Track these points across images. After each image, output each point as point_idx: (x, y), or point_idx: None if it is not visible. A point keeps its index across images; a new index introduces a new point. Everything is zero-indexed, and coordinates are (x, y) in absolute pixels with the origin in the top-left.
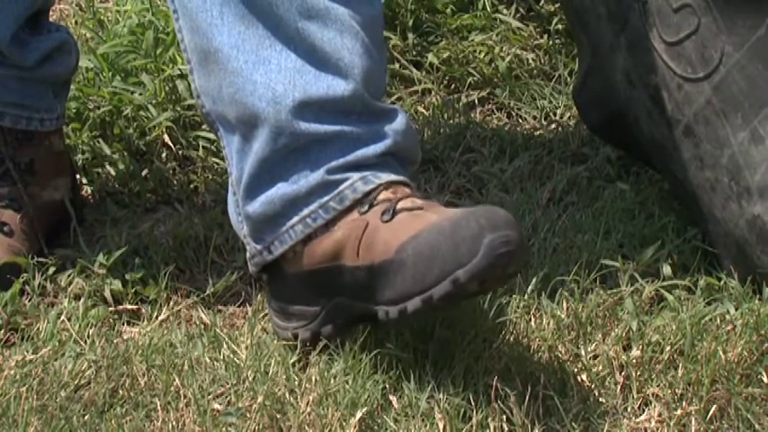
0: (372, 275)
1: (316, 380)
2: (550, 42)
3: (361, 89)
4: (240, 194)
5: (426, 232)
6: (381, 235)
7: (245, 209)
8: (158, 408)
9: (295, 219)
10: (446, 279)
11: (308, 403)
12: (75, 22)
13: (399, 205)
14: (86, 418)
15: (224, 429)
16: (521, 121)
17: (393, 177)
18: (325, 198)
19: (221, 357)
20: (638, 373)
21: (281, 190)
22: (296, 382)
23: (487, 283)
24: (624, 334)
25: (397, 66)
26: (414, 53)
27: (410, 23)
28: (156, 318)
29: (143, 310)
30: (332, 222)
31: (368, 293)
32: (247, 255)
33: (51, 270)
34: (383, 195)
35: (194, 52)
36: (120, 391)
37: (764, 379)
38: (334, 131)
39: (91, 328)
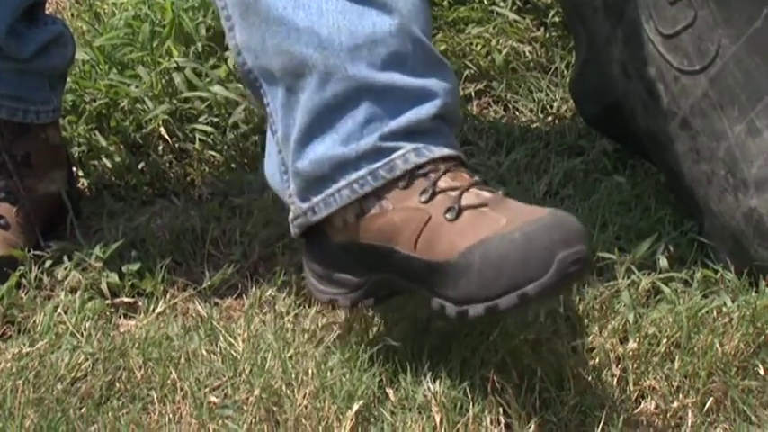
0: (430, 270)
1: (312, 372)
2: (547, 35)
3: (407, 24)
4: (290, 150)
5: (497, 240)
6: (446, 234)
7: (295, 165)
8: (155, 400)
9: (342, 182)
10: (514, 292)
11: (304, 396)
12: (72, 15)
13: (463, 201)
14: (83, 410)
15: (220, 422)
16: (517, 113)
17: (446, 152)
18: (375, 165)
19: (218, 350)
20: (635, 366)
21: (330, 150)
22: (292, 375)
23: (552, 296)
24: (621, 326)
25: None
26: None
27: None
28: (153, 310)
29: (140, 303)
30: (380, 191)
31: (423, 281)
32: (290, 216)
33: (48, 263)
34: (444, 182)
35: (235, 6)
36: (117, 384)
37: (761, 371)
38: (385, 82)
39: (87, 320)
